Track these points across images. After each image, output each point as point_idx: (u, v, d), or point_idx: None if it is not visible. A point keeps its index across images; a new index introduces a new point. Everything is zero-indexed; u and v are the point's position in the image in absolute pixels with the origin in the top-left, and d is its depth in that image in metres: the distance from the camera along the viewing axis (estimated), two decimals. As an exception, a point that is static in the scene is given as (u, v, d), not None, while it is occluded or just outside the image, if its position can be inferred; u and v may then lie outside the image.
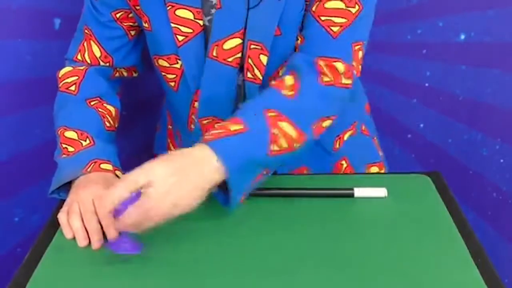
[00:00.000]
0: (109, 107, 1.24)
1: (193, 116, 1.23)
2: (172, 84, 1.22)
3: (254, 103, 1.09)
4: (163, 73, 1.22)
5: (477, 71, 1.67)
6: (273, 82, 1.12)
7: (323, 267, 0.94)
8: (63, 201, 1.15)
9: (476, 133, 1.72)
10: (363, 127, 1.37)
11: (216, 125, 1.06)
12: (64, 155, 1.14)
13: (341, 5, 1.09)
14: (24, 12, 1.49)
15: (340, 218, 1.08)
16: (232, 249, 0.99)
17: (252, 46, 1.14)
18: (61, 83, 1.25)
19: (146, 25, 1.19)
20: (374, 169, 1.37)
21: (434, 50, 1.66)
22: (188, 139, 1.27)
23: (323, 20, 1.10)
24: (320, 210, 1.10)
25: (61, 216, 1.06)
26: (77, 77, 1.23)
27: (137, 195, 0.94)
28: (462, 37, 1.64)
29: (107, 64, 1.26)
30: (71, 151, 1.14)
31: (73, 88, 1.22)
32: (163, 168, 0.96)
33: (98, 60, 1.25)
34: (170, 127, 1.39)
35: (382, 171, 1.38)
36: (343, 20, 1.10)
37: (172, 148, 1.39)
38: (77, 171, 1.10)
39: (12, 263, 1.54)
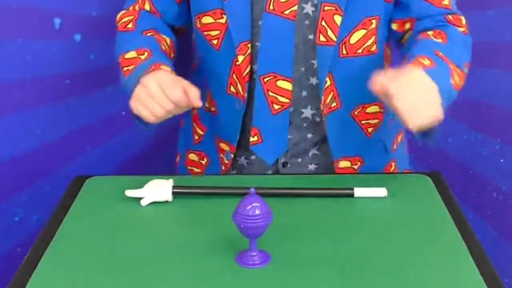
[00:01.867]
0: (164, 36, 1.27)
1: (234, 76, 1.23)
2: (215, 42, 1.23)
3: (420, 48, 1.14)
4: (206, 32, 1.23)
5: (477, 71, 1.67)
6: (418, 36, 1.19)
7: (323, 267, 0.94)
8: (63, 201, 1.16)
9: (476, 133, 1.72)
10: (403, 134, 1.39)
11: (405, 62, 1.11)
12: (127, 75, 1.17)
13: None
14: (24, 12, 1.49)
15: (340, 218, 1.08)
16: (232, 248, 0.99)
17: (326, 8, 1.16)
18: (119, 24, 1.29)
19: None
20: None
21: (434, 50, 1.66)
22: (224, 106, 1.26)
23: (434, 1, 1.22)
24: (320, 210, 1.10)
25: (133, 105, 1.09)
26: (132, 16, 1.28)
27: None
28: (462, 37, 1.64)
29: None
30: (132, 68, 1.17)
31: (130, 25, 1.27)
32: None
33: (145, 10, 1.29)
34: (195, 111, 1.38)
35: None
36: None
37: (199, 132, 1.36)
38: (141, 74, 1.11)
39: (12, 263, 1.54)
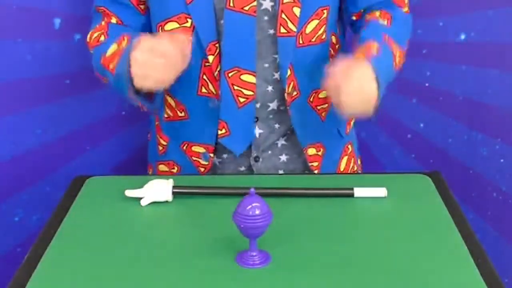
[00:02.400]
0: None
1: (204, 77, 1.25)
2: None
3: (370, 31, 1.25)
4: None
5: (477, 71, 1.67)
6: (367, 16, 1.30)
7: (323, 267, 0.94)
8: (63, 201, 1.16)
9: (476, 133, 1.72)
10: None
11: (357, 49, 1.20)
12: (114, 69, 1.19)
13: None
14: (24, 12, 1.49)
15: (340, 218, 1.08)
16: (232, 248, 0.99)
17: (286, 1, 1.21)
18: (91, 41, 1.30)
19: None
20: (359, 162, 1.47)
21: (434, 50, 1.66)
22: (196, 109, 1.28)
23: None
24: (320, 210, 1.10)
25: (140, 84, 1.11)
26: (102, 30, 1.29)
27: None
28: (462, 37, 1.64)
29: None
30: (117, 59, 1.18)
31: (102, 38, 1.27)
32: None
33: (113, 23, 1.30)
34: (157, 123, 1.39)
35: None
36: None
37: (162, 143, 1.37)
38: (128, 52, 1.12)
39: (12, 263, 1.54)
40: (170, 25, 1.23)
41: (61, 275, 0.95)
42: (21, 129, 1.57)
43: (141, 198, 1.13)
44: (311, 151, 1.32)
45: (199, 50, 1.22)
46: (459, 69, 1.67)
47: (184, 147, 1.33)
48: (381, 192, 1.13)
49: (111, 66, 1.20)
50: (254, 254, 0.95)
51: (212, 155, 1.30)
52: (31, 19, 1.50)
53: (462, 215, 1.09)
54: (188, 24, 1.22)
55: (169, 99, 1.32)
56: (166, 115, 1.34)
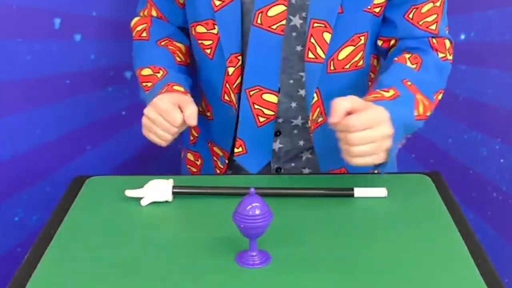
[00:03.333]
0: (178, 44, 1.30)
1: (227, 86, 1.24)
2: (208, 51, 1.24)
3: (390, 75, 1.15)
4: (200, 41, 1.24)
5: (477, 71, 1.67)
6: (395, 59, 1.19)
7: (323, 267, 0.94)
8: (63, 201, 1.16)
9: (476, 133, 1.72)
10: None
11: (366, 94, 1.11)
12: (146, 91, 1.21)
13: (431, 5, 1.20)
14: (24, 12, 1.49)
15: (340, 218, 1.08)
16: (232, 248, 0.99)
17: (316, 25, 1.15)
18: (134, 32, 1.32)
19: None
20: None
21: (434, 50, 1.66)
22: (219, 113, 1.28)
23: (421, 24, 1.21)
24: (320, 210, 1.10)
25: (145, 134, 1.17)
26: (145, 24, 1.30)
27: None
28: (462, 37, 1.64)
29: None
30: (150, 85, 1.21)
31: (144, 34, 1.29)
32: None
33: (156, 17, 1.31)
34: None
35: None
36: (435, 16, 1.22)
37: (193, 133, 1.37)
38: (154, 96, 1.16)
39: (12, 263, 1.54)
40: (200, 28, 1.23)
41: (61, 275, 0.95)
42: (21, 129, 1.57)
43: (141, 198, 1.13)
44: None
45: (223, 59, 1.21)
46: (459, 69, 1.67)
47: (209, 145, 1.34)
48: (381, 192, 1.12)
49: (144, 84, 1.23)
50: (254, 254, 0.95)
51: (227, 161, 1.30)
52: (31, 19, 1.50)
53: (462, 215, 1.09)
54: (215, 31, 1.20)
55: (203, 97, 1.32)
56: (201, 109, 1.33)
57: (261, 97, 1.21)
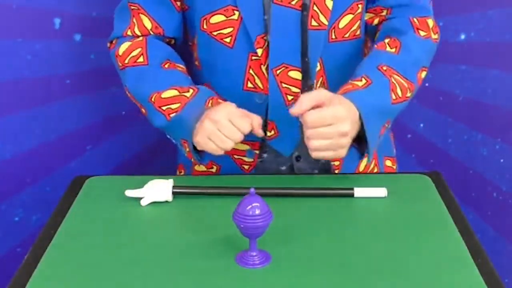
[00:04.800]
0: (180, 65, 1.27)
1: (251, 71, 1.23)
2: (228, 39, 1.22)
3: (365, 64, 1.20)
4: (216, 32, 1.23)
5: (477, 71, 1.67)
6: (375, 46, 1.23)
7: (323, 267, 0.94)
8: (63, 201, 1.16)
9: (476, 133, 1.72)
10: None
11: (341, 88, 1.15)
12: (171, 114, 1.18)
13: None
14: (24, 12, 1.49)
15: (340, 218, 1.08)
16: (232, 248, 0.99)
17: None
18: (127, 59, 1.26)
19: None
20: (388, 163, 1.39)
21: (434, 50, 1.66)
22: (241, 104, 1.22)
23: None
24: (320, 210, 1.10)
25: (202, 141, 1.13)
26: (140, 48, 1.25)
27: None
28: (462, 37, 1.64)
29: (158, 34, 1.27)
30: (178, 106, 1.18)
31: (141, 59, 1.24)
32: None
33: (149, 32, 1.27)
34: None
35: (395, 166, 1.40)
36: None
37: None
38: (200, 110, 1.14)
39: (12, 263, 1.54)
40: (216, 18, 1.22)
41: (61, 275, 0.95)
42: (21, 129, 1.57)
43: (141, 198, 1.13)
44: None
45: (246, 44, 1.21)
46: (459, 69, 1.67)
47: None
48: (381, 192, 1.12)
49: (165, 108, 1.19)
50: (254, 254, 0.95)
51: (257, 151, 1.29)
52: (31, 19, 1.50)
53: (462, 215, 1.09)
54: (236, 17, 1.20)
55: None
56: None
57: (287, 75, 1.22)
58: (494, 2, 1.62)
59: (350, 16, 1.22)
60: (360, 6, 1.23)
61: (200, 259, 0.97)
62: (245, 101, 1.23)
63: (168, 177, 1.16)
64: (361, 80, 1.15)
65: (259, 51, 1.21)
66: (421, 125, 1.74)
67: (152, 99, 1.21)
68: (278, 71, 1.21)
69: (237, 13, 1.20)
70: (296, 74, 1.22)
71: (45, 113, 1.58)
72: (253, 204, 0.92)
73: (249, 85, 1.24)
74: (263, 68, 1.22)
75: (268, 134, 1.25)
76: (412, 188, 1.17)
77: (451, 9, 1.63)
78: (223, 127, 1.11)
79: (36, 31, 1.52)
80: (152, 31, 1.27)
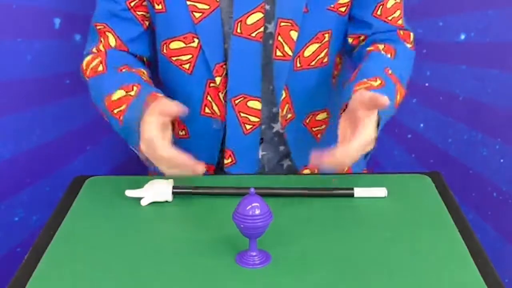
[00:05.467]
0: (140, 69, 1.24)
1: (208, 98, 1.24)
2: (187, 66, 1.23)
3: (373, 64, 1.19)
4: (174, 58, 1.23)
5: (477, 71, 1.67)
6: (369, 48, 1.24)
7: (323, 267, 0.94)
8: (63, 201, 1.16)
9: (476, 133, 1.72)
10: None
11: (355, 84, 1.12)
12: (121, 116, 1.15)
13: (393, 1, 1.25)
14: (24, 12, 1.49)
15: (340, 218, 1.08)
16: (232, 248, 0.99)
17: (283, 24, 1.18)
18: (88, 70, 1.26)
19: (159, 7, 1.20)
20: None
21: (434, 50, 1.66)
22: (197, 129, 1.25)
23: (390, 20, 1.27)
24: (320, 210, 1.10)
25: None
26: (100, 58, 1.25)
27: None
28: (462, 37, 1.64)
29: (123, 51, 1.27)
30: (124, 107, 1.15)
31: (100, 68, 1.24)
32: None
33: (114, 48, 1.27)
34: None
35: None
36: (399, 12, 1.28)
37: None
38: (140, 112, 1.08)
39: (12, 263, 1.54)
40: (176, 44, 1.22)
41: (61, 275, 0.95)
42: (21, 129, 1.57)
43: (141, 198, 1.13)
44: (306, 171, 1.31)
45: (205, 71, 1.21)
46: (459, 69, 1.67)
47: None
48: (381, 192, 1.12)
49: (116, 111, 1.17)
50: (254, 254, 0.95)
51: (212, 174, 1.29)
52: (31, 19, 1.50)
53: (462, 215, 1.09)
54: (195, 44, 1.20)
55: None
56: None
57: (246, 105, 1.22)
58: (494, 2, 1.62)
59: (316, 45, 1.23)
60: (326, 35, 1.23)
61: (200, 259, 0.97)
62: (203, 126, 1.25)
63: (168, 177, 1.16)
64: (376, 81, 1.14)
65: (218, 79, 1.21)
66: (421, 125, 1.74)
67: (106, 104, 1.19)
68: (237, 101, 1.22)
69: (196, 40, 1.20)
70: (256, 104, 1.22)
71: (45, 113, 1.58)
72: (253, 204, 0.92)
73: (207, 110, 1.25)
74: (221, 95, 1.23)
75: (226, 161, 1.26)
76: (412, 188, 1.17)
77: (451, 9, 1.63)
78: (154, 149, 1.04)
79: (36, 31, 1.52)
80: (117, 48, 1.27)
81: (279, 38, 1.19)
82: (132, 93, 1.16)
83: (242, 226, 0.92)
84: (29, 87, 1.55)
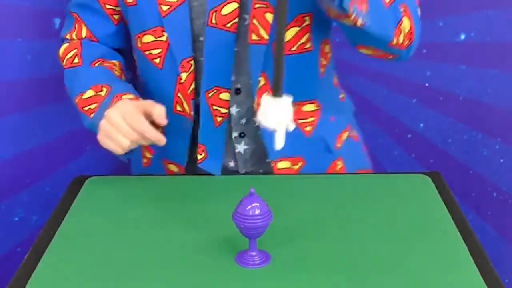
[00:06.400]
0: (112, 61, 1.26)
1: (179, 95, 1.21)
2: (157, 60, 1.21)
3: None
4: (147, 52, 1.21)
5: (477, 71, 1.67)
6: None
7: (323, 267, 0.94)
8: (63, 201, 1.16)
9: (476, 133, 1.72)
10: (354, 132, 1.36)
11: None
12: (91, 115, 1.17)
13: None
14: (24, 12, 1.49)
15: (340, 218, 1.08)
16: (232, 248, 0.99)
17: (257, 5, 1.13)
18: (65, 61, 1.27)
19: (130, 0, 1.19)
20: None
21: (434, 50, 1.66)
22: (171, 126, 1.20)
23: None
24: (320, 210, 1.10)
25: (102, 140, 1.13)
26: (76, 49, 1.25)
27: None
28: (462, 37, 1.64)
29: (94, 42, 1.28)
30: (95, 107, 1.17)
31: (76, 60, 1.24)
32: None
33: (85, 39, 1.28)
34: None
35: None
36: None
37: (147, 155, 1.34)
38: (104, 111, 1.12)
39: (12, 263, 1.54)
40: (147, 38, 1.20)
41: (61, 275, 0.95)
42: (21, 129, 1.57)
43: (140, 198, 1.13)
44: (283, 164, 1.25)
45: (173, 67, 1.19)
46: (459, 69, 1.67)
47: (164, 163, 1.30)
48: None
49: (86, 109, 1.19)
50: (254, 254, 0.95)
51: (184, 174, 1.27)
52: (31, 19, 1.50)
53: (462, 215, 1.09)
54: (164, 38, 1.18)
55: None
56: None
57: (218, 97, 1.20)
58: (494, 2, 1.62)
59: (296, 29, 1.17)
60: (307, 18, 1.17)
61: (200, 259, 0.97)
62: (174, 123, 1.20)
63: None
64: None
65: (184, 75, 1.19)
66: (421, 125, 1.74)
67: (76, 101, 1.21)
68: (210, 94, 1.19)
69: (165, 34, 1.18)
70: (226, 96, 1.20)
71: (45, 113, 1.58)
72: (253, 204, 0.92)
73: (178, 108, 1.23)
74: (189, 92, 1.20)
75: (199, 157, 1.24)
76: (412, 188, 1.17)
77: (451, 9, 1.63)
78: (117, 125, 1.10)
79: (36, 31, 1.52)
80: (87, 39, 1.27)
81: (254, 21, 1.14)
82: (102, 93, 1.17)
83: (242, 226, 0.92)
84: (29, 87, 1.55)
